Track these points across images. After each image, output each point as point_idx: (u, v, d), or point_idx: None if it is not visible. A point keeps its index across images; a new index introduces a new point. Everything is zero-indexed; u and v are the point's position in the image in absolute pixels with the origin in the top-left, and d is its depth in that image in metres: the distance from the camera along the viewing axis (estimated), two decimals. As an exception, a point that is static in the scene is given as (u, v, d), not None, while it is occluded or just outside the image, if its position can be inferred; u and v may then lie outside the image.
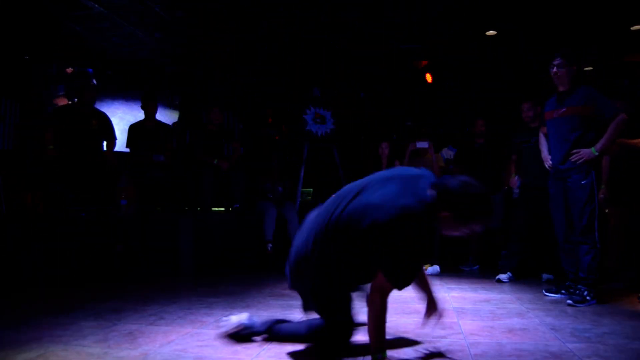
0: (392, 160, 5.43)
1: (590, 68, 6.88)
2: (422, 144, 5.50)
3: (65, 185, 4.61)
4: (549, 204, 3.56)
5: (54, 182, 4.54)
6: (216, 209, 5.41)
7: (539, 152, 3.80)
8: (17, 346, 2.16)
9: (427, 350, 2.14)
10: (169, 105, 7.13)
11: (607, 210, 4.21)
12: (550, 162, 3.47)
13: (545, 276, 4.19)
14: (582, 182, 3.24)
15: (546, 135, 3.66)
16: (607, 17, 5.19)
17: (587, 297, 3.14)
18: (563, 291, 3.41)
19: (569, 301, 3.13)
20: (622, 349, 2.12)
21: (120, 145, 5.40)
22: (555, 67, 3.34)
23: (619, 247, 3.95)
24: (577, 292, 3.19)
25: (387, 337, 2.30)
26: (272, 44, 5.97)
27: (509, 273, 4.25)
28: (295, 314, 2.79)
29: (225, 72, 6.99)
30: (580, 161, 3.24)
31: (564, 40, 5.82)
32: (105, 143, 5.04)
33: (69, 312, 2.87)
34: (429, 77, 6.92)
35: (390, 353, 2.06)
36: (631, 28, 5.47)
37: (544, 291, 3.50)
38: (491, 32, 5.70)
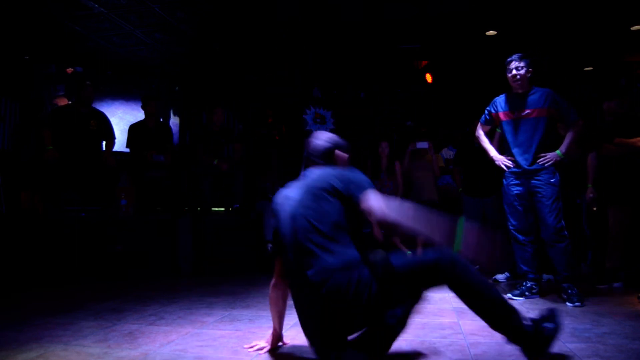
0: (392, 160, 5.43)
1: (590, 68, 6.89)
2: (422, 144, 5.50)
3: (65, 186, 4.61)
4: (505, 202, 3.55)
5: (53, 182, 4.54)
6: (216, 209, 5.41)
7: None
8: (17, 346, 2.16)
9: (427, 350, 2.13)
10: (169, 105, 7.14)
11: (594, 209, 4.23)
12: (509, 162, 3.45)
13: (545, 276, 4.17)
14: (552, 180, 3.33)
15: (488, 135, 3.69)
16: (607, 17, 5.19)
17: (580, 293, 3.19)
18: (527, 293, 3.40)
19: (569, 304, 3.13)
20: (622, 349, 2.12)
21: (120, 145, 5.41)
22: (514, 70, 3.38)
23: (619, 246, 3.95)
24: (570, 291, 3.20)
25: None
26: (273, 44, 5.97)
27: (506, 273, 4.25)
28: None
29: (226, 72, 6.99)
30: (548, 164, 3.32)
31: (564, 41, 5.84)
32: (104, 143, 5.04)
33: (69, 312, 2.87)
34: (429, 77, 6.92)
35: (389, 354, 2.06)
36: (631, 28, 5.47)
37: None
38: (491, 32, 5.70)
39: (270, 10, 5.02)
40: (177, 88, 7.08)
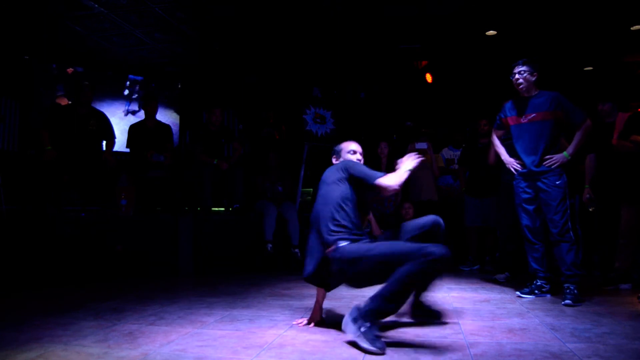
0: (391, 160, 5.42)
1: (590, 68, 6.89)
2: (421, 145, 5.51)
3: (65, 185, 4.61)
4: (516, 203, 3.62)
5: (53, 182, 4.54)
6: (216, 209, 5.41)
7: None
8: (17, 346, 2.16)
9: (427, 350, 2.13)
10: (169, 105, 7.14)
11: (591, 209, 4.22)
12: (517, 165, 3.54)
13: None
14: (557, 183, 3.38)
15: (501, 139, 3.77)
16: (607, 17, 5.19)
17: (579, 296, 3.19)
18: (537, 291, 3.45)
19: (567, 301, 3.13)
20: (622, 349, 2.12)
21: (120, 145, 5.41)
22: (517, 75, 3.44)
23: (630, 246, 3.88)
24: (568, 291, 3.22)
25: (387, 339, 2.31)
26: (273, 44, 5.98)
27: (506, 273, 4.26)
28: (296, 313, 2.80)
29: (226, 72, 7.00)
30: (554, 165, 3.37)
31: (563, 40, 5.84)
32: (104, 143, 5.04)
33: (69, 312, 2.87)
34: (429, 77, 6.92)
35: (389, 353, 2.06)
36: (631, 28, 5.47)
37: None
38: (491, 32, 5.70)
39: (270, 10, 5.02)
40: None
